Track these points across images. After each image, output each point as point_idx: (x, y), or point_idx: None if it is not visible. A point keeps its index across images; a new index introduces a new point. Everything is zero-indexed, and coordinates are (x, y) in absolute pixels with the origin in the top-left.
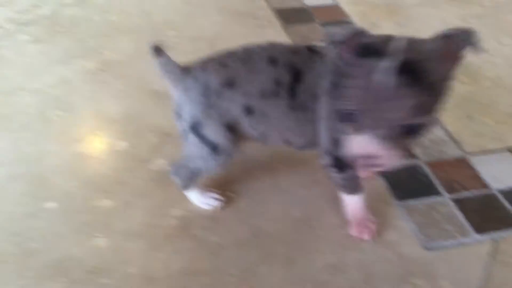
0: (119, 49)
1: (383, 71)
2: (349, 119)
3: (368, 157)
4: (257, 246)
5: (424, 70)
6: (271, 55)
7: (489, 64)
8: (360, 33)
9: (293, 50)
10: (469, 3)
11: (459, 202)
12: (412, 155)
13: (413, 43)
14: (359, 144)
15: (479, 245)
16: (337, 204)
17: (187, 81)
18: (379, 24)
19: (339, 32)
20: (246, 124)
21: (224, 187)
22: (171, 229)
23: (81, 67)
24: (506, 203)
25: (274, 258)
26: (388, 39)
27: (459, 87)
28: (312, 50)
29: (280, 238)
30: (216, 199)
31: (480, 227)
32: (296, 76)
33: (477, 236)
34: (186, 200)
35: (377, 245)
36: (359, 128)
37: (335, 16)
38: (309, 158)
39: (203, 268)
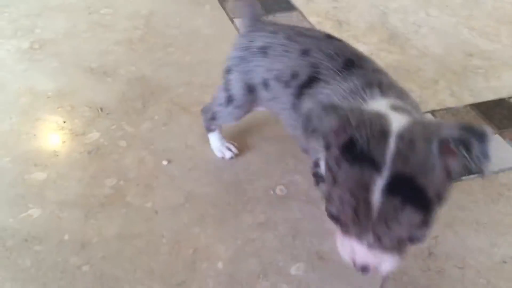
0: (53, 28)
1: (376, 189)
2: (335, 219)
3: (360, 268)
4: (190, 209)
5: (422, 186)
6: (308, 48)
7: (417, 34)
8: (347, 123)
9: (333, 57)
10: None
11: None
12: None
13: (406, 147)
14: (346, 249)
15: None
16: (267, 168)
17: (246, 30)
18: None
19: (324, 118)
20: (262, 96)
21: (160, 156)
22: (106, 198)
23: (14, 46)
24: None
25: (206, 219)
26: (381, 135)
27: (387, 56)
28: (353, 65)
29: (212, 201)
30: (231, 150)
31: None
32: (311, 80)
33: None
34: (121, 170)
35: (304, 203)
36: (346, 232)
37: None
38: (242, 126)
39: (137, 232)
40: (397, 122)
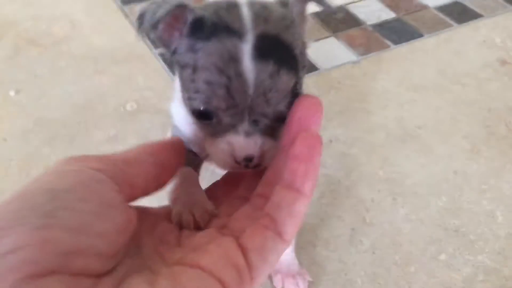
0: None
1: (245, 57)
2: (204, 115)
3: (244, 161)
4: (40, 133)
5: (289, 44)
6: None
7: None
8: (183, 6)
9: None
10: None
11: None
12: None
13: (261, 9)
14: (222, 150)
15: None
16: (118, 88)
17: None
18: None
19: (155, 9)
20: None
21: (7, 87)
22: None
23: None
24: None
25: (56, 140)
26: (229, 5)
27: None
28: None
29: (63, 122)
30: None
31: None
32: None
33: None
34: None
35: (154, 114)
36: (217, 131)
37: None
38: (93, 53)
39: None
40: None
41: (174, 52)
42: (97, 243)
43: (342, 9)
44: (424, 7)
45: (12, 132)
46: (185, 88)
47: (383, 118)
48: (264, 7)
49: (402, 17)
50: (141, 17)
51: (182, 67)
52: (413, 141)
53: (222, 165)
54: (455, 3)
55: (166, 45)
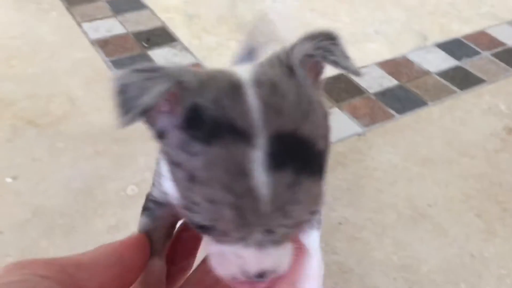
0: None
1: (257, 169)
2: (206, 230)
3: (255, 277)
4: (38, 223)
5: (309, 139)
6: None
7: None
8: (180, 83)
9: None
10: None
11: None
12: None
13: (270, 94)
14: (227, 262)
15: None
16: (118, 170)
17: None
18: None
19: (141, 83)
20: None
21: (4, 174)
22: None
23: None
24: None
25: (55, 231)
26: (231, 88)
27: (236, 45)
28: None
29: (61, 211)
30: None
31: None
32: None
33: None
34: None
35: None
36: (223, 241)
37: None
38: (92, 132)
39: None
40: (244, 70)
41: (160, 137)
42: None
43: (343, 77)
44: (426, 73)
45: (9, 223)
46: (179, 189)
47: (392, 196)
48: (274, 88)
49: (404, 84)
50: (121, 94)
51: (174, 164)
52: (425, 221)
53: (228, 278)
54: (457, 68)
55: (148, 123)
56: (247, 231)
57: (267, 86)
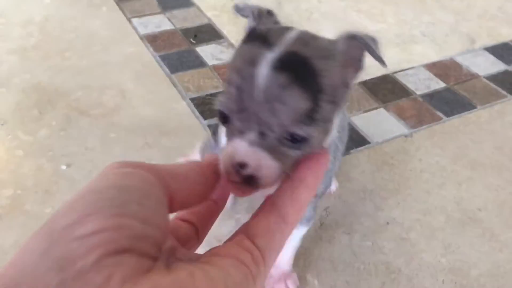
0: None
1: (263, 63)
2: (222, 116)
3: (238, 166)
4: None
5: (317, 69)
6: None
7: (309, 21)
8: (266, 15)
9: None
10: None
11: None
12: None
13: (307, 36)
14: (227, 152)
15: None
16: (164, 162)
17: None
18: None
19: (246, 7)
20: None
21: (59, 161)
22: (2, 208)
23: None
24: None
25: None
26: (285, 29)
27: None
28: None
29: None
30: None
31: None
32: None
33: None
34: (19, 179)
35: None
36: (231, 133)
37: None
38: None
39: None
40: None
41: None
42: (155, 233)
43: (389, 78)
44: (474, 76)
45: None
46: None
47: (441, 198)
48: (313, 37)
49: (452, 86)
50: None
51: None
52: (474, 225)
53: (222, 167)
54: (506, 72)
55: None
56: (246, 124)
57: (310, 35)
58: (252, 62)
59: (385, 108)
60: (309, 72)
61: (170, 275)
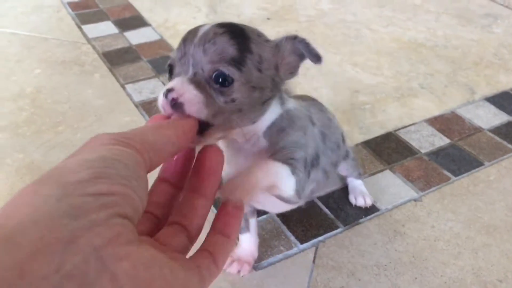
0: None
1: (207, 25)
2: (169, 74)
3: (167, 92)
4: None
5: (249, 37)
6: None
7: (306, 77)
8: None
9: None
10: (285, 21)
11: (281, 215)
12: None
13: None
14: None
15: (304, 253)
16: None
17: None
18: None
19: None
20: None
21: None
22: None
23: None
24: (324, 208)
25: None
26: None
27: None
28: None
29: None
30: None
31: (303, 237)
32: None
33: (301, 246)
34: None
35: None
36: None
37: (161, 51)
38: None
39: None
40: None
41: None
42: (142, 211)
43: (392, 136)
44: (478, 129)
45: None
46: None
47: (458, 270)
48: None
49: (456, 142)
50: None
51: None
52: None
53: (159, 103)
54: (509, 124)
55: None
56: (185, 67)
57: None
58: (198, 27)
59: (391, 169)
60: (242, 34)
61: (165, 253)
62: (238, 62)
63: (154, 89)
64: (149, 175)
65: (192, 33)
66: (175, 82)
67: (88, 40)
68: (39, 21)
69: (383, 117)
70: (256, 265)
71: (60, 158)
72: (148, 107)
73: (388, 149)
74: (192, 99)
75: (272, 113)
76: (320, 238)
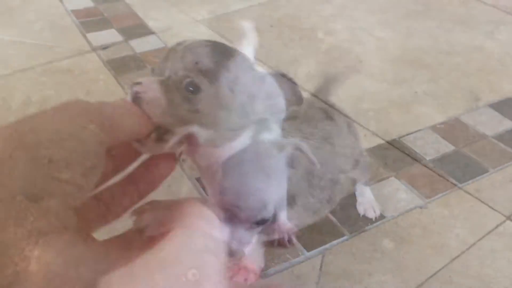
0: None
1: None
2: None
3: (133, 85)
4: None
5: (232, 58)
6: None
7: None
8: None
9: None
10: (289, 28)
11: None
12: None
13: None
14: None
15: (311, 261)
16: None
17: None
18: None
19: None
20: None
21: None
22: None
23: None
24: (330, 215)
25: None
26: None
27: None
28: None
29: None
30: None
31: (310, 244)
32: None
33: (308, 254)
34: None
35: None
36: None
37: None
38: None
39: None
40: None
41: None
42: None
43: (397, 143)
44: (482, 136)
45: None
46: None
47: (465, 277)
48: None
49: (461, 149)
50: None
51: None
52: None
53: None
54: None
55: None
56: (162, 71)
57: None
58: (189, 39)
59: (396, 176)
60: (226, 52)
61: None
62: (212, 74)
63: None
64: None
65: (181, 43)
66: (145, 79)
67: (93, 48)
68: (44, 30)
69: (387, 124)
70: (263, 273)
71: None
72: None
73: (393, 156)
74: (152, 100)
75: (238, 142)
76: (327, 245)
